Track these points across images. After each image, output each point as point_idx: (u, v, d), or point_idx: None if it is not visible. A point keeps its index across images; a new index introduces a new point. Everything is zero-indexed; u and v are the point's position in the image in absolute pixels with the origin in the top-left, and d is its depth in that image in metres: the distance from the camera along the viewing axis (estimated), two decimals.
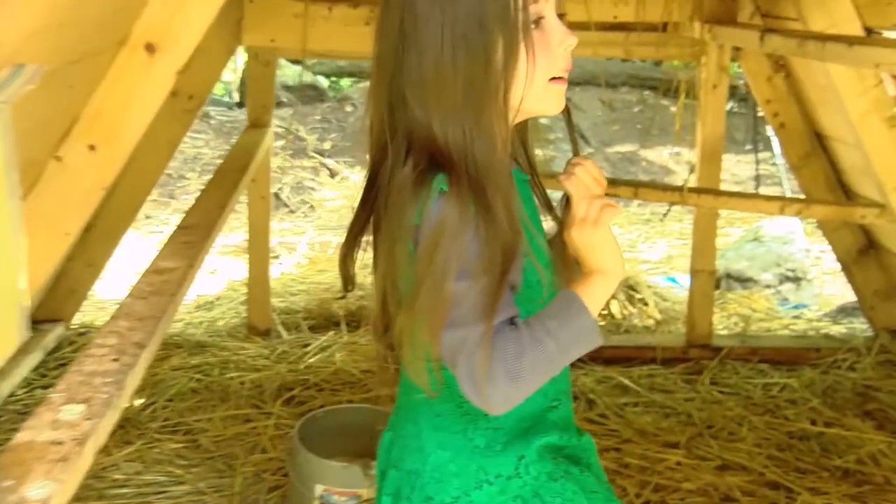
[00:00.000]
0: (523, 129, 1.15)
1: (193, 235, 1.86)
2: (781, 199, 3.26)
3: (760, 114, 5.56)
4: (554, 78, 1.03)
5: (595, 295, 1.03)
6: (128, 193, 2.89)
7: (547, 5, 1.02)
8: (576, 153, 1.10)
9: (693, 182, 3.16)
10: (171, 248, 1.77)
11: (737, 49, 3.11)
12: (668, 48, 2.99)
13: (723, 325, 3.61)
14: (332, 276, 3.82)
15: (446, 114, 0.99)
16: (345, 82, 8.42)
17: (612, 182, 3.27)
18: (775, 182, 6.25)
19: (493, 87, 0.99)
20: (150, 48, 1.64)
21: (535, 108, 1.06)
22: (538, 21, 1.01)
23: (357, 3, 2.74)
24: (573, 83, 8.11)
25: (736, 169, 6.81)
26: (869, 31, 2.42)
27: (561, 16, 1.04)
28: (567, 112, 1.10)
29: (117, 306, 1.47)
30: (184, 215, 2.06)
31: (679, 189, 2.93)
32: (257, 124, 3.09)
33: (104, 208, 2.82)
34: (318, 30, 2.71)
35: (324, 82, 8.31)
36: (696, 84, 3.15)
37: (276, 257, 4.41)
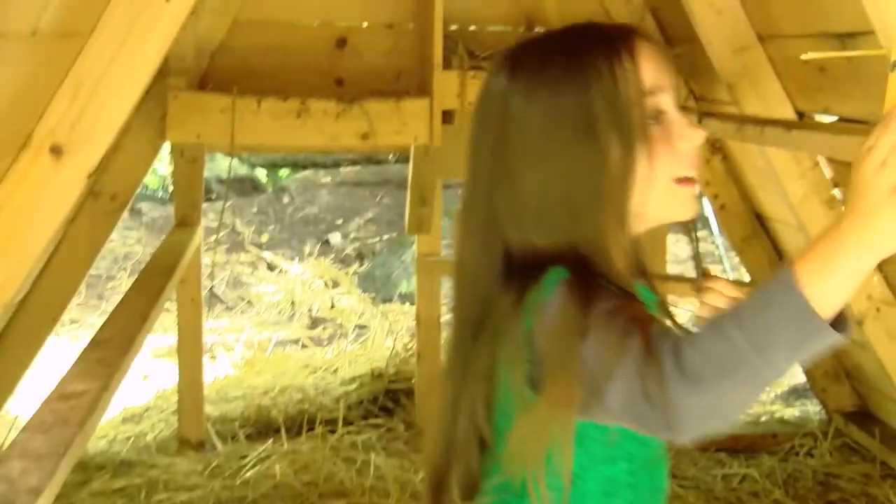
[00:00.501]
0: (637, 243, 0.99)
1: (109, 351, 1.69)
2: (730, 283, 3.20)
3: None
4: (681, 179, 0.92)
5: (831, 259, 0.73)
6: (46, 300, 2.70)
7: (664, 98, 0.91)
8: (700, 270, 0.99)
9: None
10: (82, 367, 1.60)
11: None
12: None
13: None
14: (271, 379, 3.63)
15: (552, 233, 0.90)
16: (282, 173, 8.33)
17: None
18: (715, 260, 6.28)
19: (609, 196, 0.88)
20: (55, 150, 1.51)
21: (660, 214, 0.94)
22: (658, 116, 0.90)
23: (286, 96, 2.65)
24: None
25: (675, 248, 6.84)
26: (800, 114, 2.43)
27: (682, 108, 0.95)
28: (692, 221, 1.00)
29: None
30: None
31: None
32: (185, 222, 2.94)
33: (18, 317, 2.62)
34: (246, 124, 2.60)
35: (260, 173, 8.20)
36: None
37: (213, 357, 4.20)
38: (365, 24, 3.02)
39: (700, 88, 2.96)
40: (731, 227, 3.22)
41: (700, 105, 3.00)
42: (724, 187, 3.16)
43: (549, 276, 0.87)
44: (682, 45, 2.85)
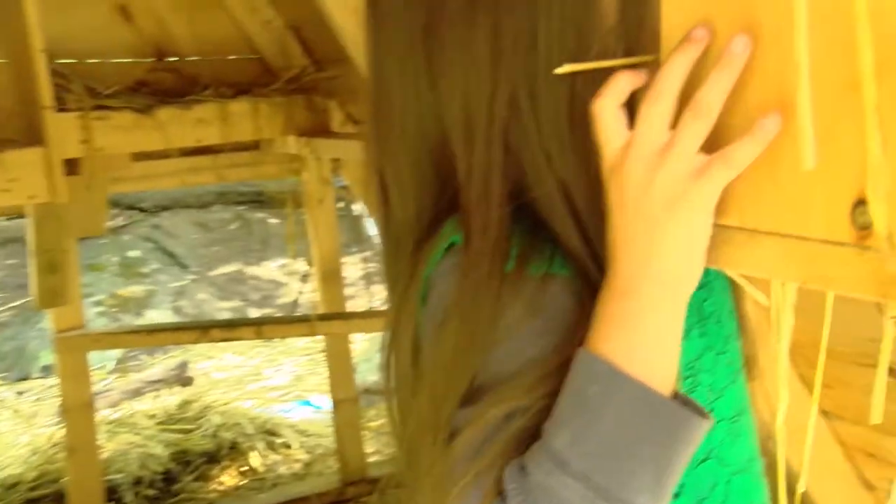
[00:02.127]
0: None
1: None
2: None
3: (358, 212, 5.54)
4: None
5: (630, 319, 0.55)
6: None
7: None
8: None
9: (309, 290, 2.89)
10: None
11: (336, 160, 2.92)
12: (264, 167, 2.70)
13: (373, 447, 3.35)
14: None
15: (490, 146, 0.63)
16: None
17: (231, 325, 2.87)
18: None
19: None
20: None
21: None
22: None
23: None
24: (161, 208, 7.56)
25: (344, 271, 6.77)
26: None
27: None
28: None
29: None
30: None
31: (306, 320, 2.62)
32: None
33: None
34: None
35: None
36: (296, 194, 2.90)
37: None
38: None
39: (359, 111, 2.81)
40: None
41: (359, 128, 2.86)
42: None
43: (441, 233, 0.64)
44: (333, 68, 2.68)
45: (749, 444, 0.73)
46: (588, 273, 0.60)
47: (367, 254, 6.31)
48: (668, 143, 0.53)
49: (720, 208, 0.54)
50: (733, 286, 0.75)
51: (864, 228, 0.46)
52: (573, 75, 0.59)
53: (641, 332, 0.54)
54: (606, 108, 0.55)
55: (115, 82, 2.51)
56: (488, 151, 0.61)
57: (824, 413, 1.71)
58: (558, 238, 0.61)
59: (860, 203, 0.46)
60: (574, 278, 0.60)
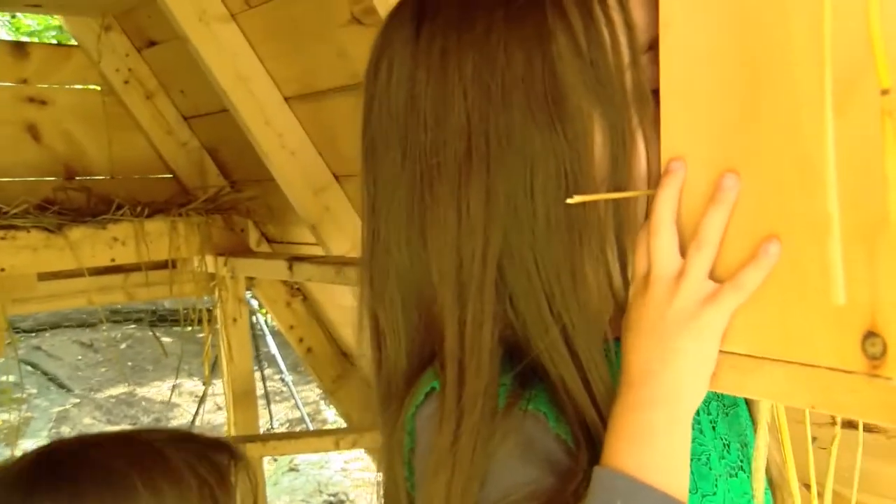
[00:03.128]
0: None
1: None
2: (334, 432, 3.04)
3: (259, 332, 5.43)
4: None
5: (646, 434, 0.57)
6: None
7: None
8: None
9: (204, 412, 2.78)
10: None
11: (250, 278, 2.89)
12: (177, 286, 2.65)
13: None
14: None
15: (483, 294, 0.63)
16: None
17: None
18: (286, 397, 6.13)
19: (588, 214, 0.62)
20: None
21: None
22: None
23: None
24: (41, 329, 7.18)
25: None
26: None
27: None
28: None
29: None
30: None
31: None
32: None
33: None
34: None
35: None
36: (198, 313, 2.83)
37: None
38: None
39: (272, 231, 2.81)
40: (321, 369, 3.07)
41: (274, 247, 2.85)
42: (309, 328, 3.02)
43: (422, 380, 0.65)
44: (249, 188, 2.69)
45: None
46: (584, 413, 0.62)
47: (268, 371, 6.17)
48: (681, 270, 0.58)
49: (728, 336, 0.59)
50: None
51: (875, 358, 0.51)
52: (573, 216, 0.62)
53: (656, 445, 0.57)
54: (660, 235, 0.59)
55: (23, 201, 2.44)
56: (482, 301, 0.62)
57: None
58: (556, 380, 0.63)
59: (871, 335, 0.51)
60: (554, 417, 0.63)
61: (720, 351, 0.59)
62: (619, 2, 0.61)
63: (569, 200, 0.60)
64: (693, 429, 0.61)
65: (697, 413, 0.67)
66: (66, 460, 0.91)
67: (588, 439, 0.61)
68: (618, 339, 0.63)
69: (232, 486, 0.93)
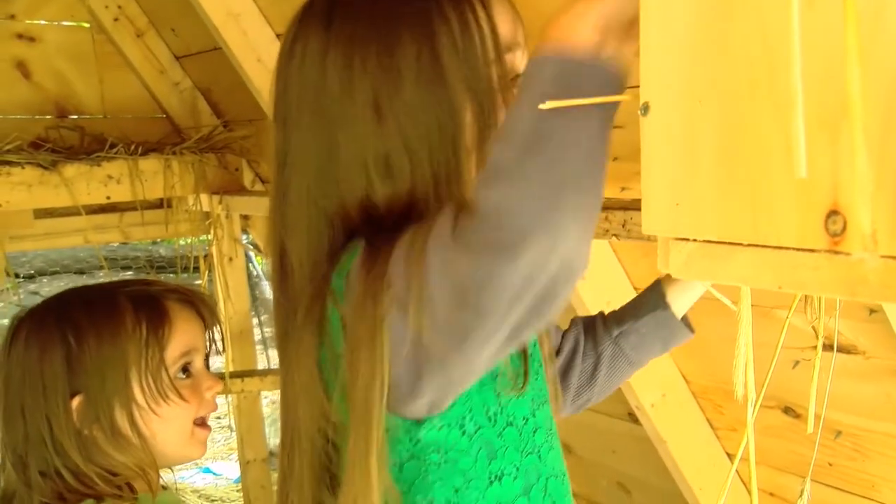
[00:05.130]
0: None
1: None
2: None
3: (256, 279, 5.47)
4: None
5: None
6: None
7: (519, 55, 0.82)
8: None
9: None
10: None
11: (245, 218, 2.92)
12: (173, 226, 2.67)
13: None
14: None
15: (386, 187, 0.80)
16: None
17: None
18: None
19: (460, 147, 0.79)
20: None
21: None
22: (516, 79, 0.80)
23: None
24: (40, 274, 7.21)
25: None
26: None
27: None
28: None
29: None
30: None
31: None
32: None
33: None
34: None
35: None
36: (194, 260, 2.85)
37: None
38: None
39: (266, 171, 2.83)
40: None
41: (269, 187, 2.86)
42: None
43: (348, 249, 0.78)
44: (242, 128, 2.69)
45: (559, 457, 0.88)
46: None
47: (265, 317, 6.22)
48: None
49: (700, 224, 0.62)
50: None
51: (836, 235, 0.54)
52: None
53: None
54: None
55: (16, 138, 2.45)
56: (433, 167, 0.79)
57: (728, 456, 1.81)
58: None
59: (833, 213, 0.54)
60: None
61: (692, 240, 0.62)
62: (487, 14, 0.79)
63: (541, 106, 0.63)
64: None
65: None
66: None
67: None
68: None
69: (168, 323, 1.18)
